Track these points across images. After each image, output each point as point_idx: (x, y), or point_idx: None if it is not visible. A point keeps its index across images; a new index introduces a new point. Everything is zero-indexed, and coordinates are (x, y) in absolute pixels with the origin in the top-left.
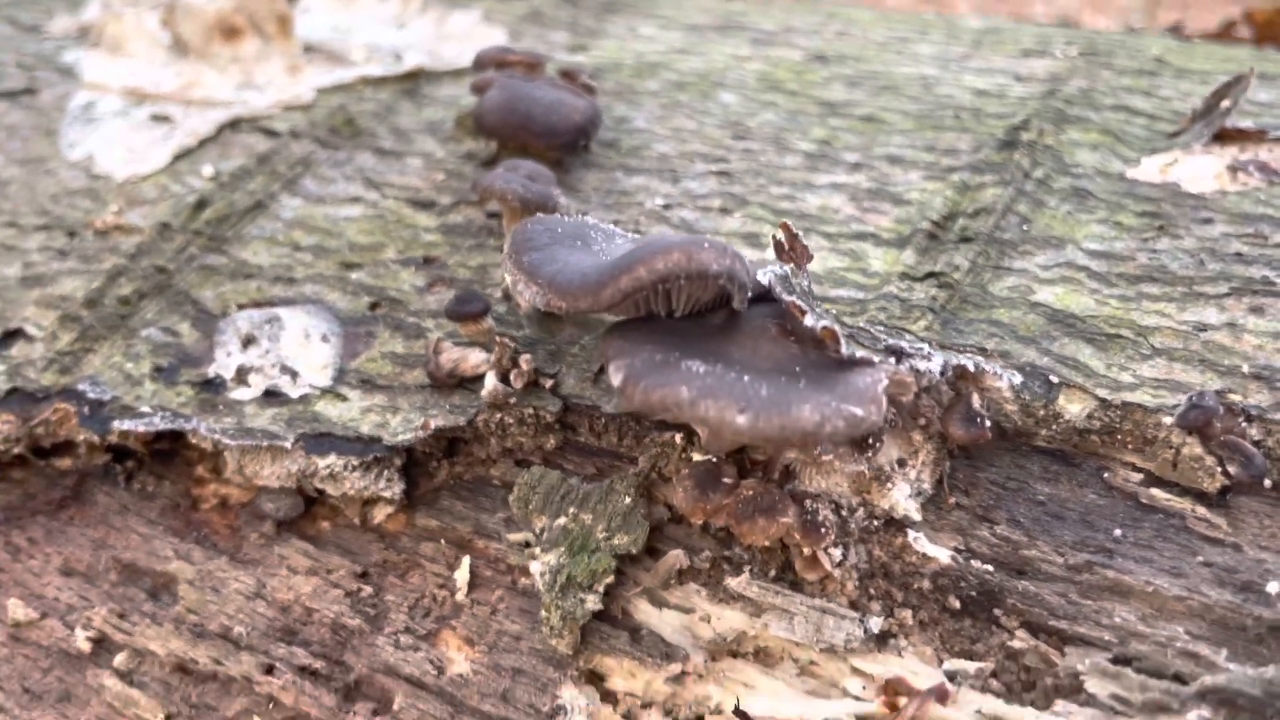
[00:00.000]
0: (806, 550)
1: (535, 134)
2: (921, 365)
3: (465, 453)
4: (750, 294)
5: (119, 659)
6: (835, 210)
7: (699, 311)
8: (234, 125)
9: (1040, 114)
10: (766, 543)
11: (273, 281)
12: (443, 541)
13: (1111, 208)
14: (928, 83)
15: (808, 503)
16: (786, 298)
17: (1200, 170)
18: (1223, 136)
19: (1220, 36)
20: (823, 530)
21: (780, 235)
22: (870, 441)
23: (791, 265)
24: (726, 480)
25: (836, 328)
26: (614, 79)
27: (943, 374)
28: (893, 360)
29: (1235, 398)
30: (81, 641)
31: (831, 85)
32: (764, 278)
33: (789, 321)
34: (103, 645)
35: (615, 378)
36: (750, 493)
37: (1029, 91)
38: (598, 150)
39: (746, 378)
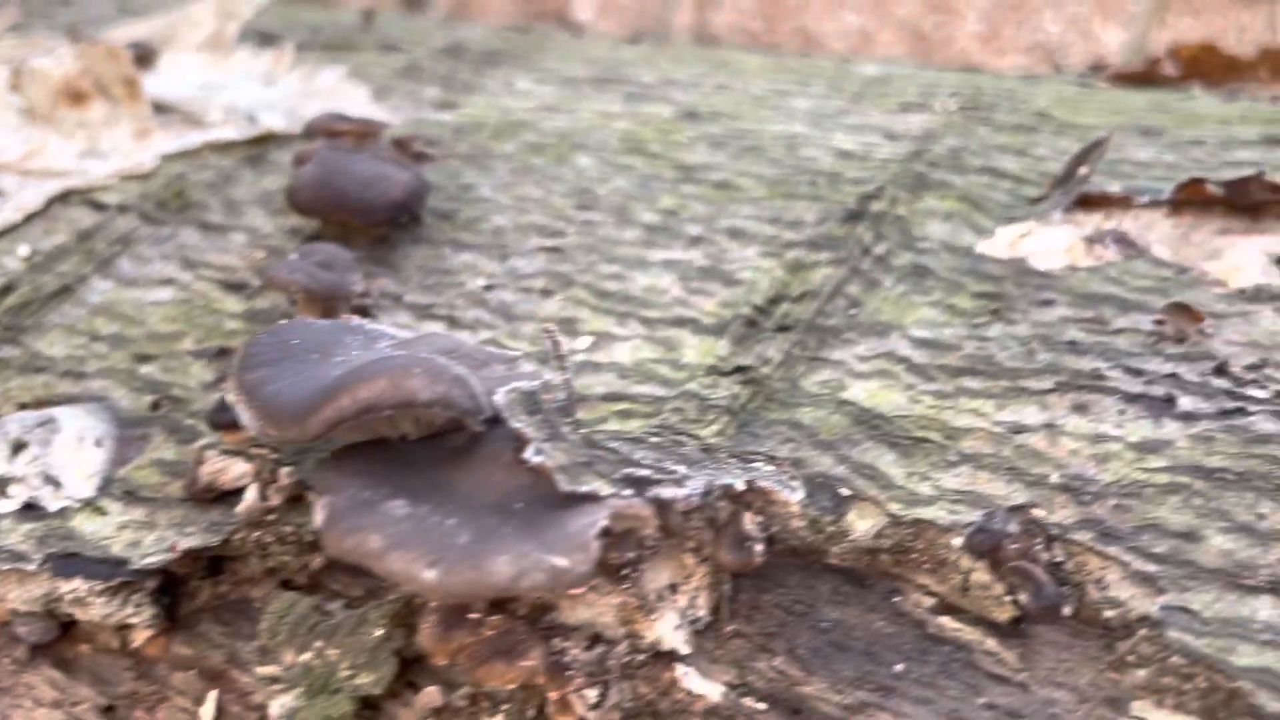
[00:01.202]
0: (555, 695)
1: (350, 212)
2: (668, 493)
3: (230, 571)
4: (490, 410)
5: None
6: (662, 291)
7: (439, 433)
8: (65, 198)
9: (899, 179)
10: (510, 686)
11: (62, 376)
12: (195, 672)
13: (949, 288)
14: (794, 143)
15: (556, 641)
16: (514, 424)
17: (1052, 244)
18: (1087, 203)
19: (1146, 75)
20: (569, 673)
21: (553, 341)
22: (625, 571)
23: (557, 370)
24: (473, 617)
25: (554, 461)
26: (472, 140)
27: (707, 495)
28: (629, 492)
29: (1039, 513)
30: None
31: (695, 146)
32: (500, 398)
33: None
34: None
35: (317, 516)
36: (493, 632)
37: (896, 152)
38: (432, 222)
39: (451, 521)
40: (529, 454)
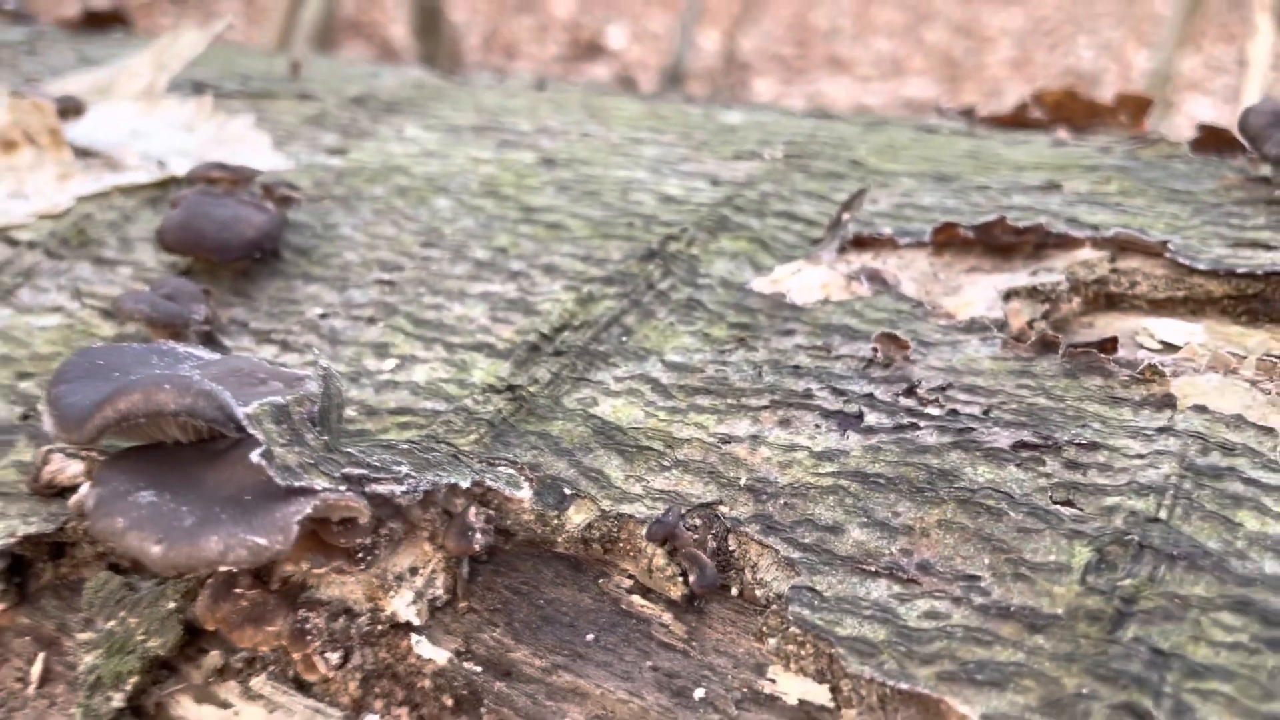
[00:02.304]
0: (298, 656)
1: (208, 250)
2: (384, 488)
3: (69, 555)
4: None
5: None
6: (471, 320)
7: (209, 438)
8: None
9: (703, 222)
10: (264, 648)
11: None
12: (31, 638)
13: (712, 319)
14: (629, 188)
15: (303, 612)
16: (251, 430)
17: (811, 280)
18: (860, 243)
19: (1015, 119)
20: (309, 637)
21: (318, 367)
22: (365, 555)
23: (321, 387)
24: (237, 590)
25: (272, 460)
26: (349, 183)
27: (430, 491)
28: (344, 488)
29: (723, 509)
30: None
31: (544, 190)
32: (245, 411)
33: None
34: None
35: (86, 505)
36: (248, 603)
37: (713, 197)
38: (291, 257)
39: (184, 509)
40: (252, 455)
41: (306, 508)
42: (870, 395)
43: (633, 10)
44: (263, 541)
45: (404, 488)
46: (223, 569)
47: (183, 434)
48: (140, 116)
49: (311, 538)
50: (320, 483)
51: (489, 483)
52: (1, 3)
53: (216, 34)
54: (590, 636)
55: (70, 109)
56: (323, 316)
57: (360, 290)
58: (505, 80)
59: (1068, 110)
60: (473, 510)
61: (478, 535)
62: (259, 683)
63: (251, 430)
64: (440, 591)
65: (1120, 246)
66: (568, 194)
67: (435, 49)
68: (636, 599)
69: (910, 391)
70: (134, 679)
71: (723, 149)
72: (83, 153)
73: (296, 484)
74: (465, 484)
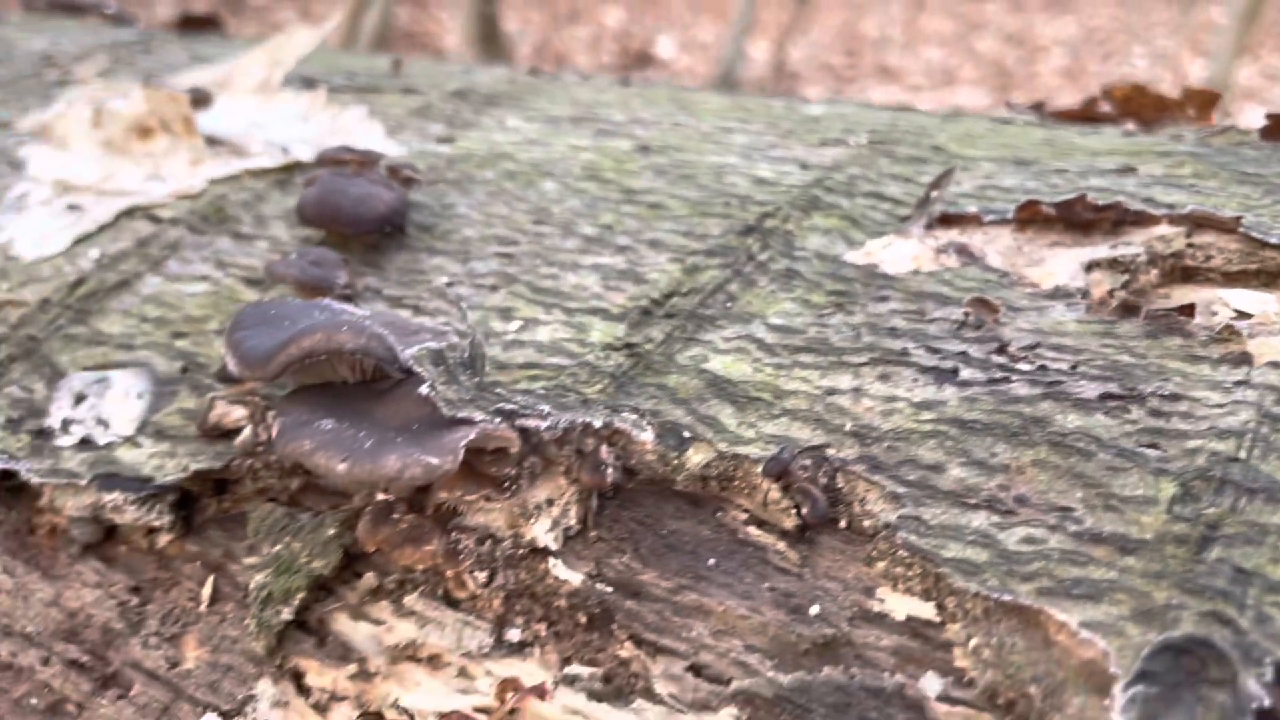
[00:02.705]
0: (451, 573)
1: (343, 224)
2: (531, 423)
3: (231, 492)
4: (406, 364)
5: None
6: (585, 288)
7: (373, 379)
8: (130, 213)
9: (796, 201)
10: (420, 566)
11: (117, 348)
12: (200, 563)
13: (810, 287)
14: (722, 171)
15: (455, 534)
16: (416, 368)
17: (902, 253)
18: (945, 220)
19: (1083, 114)
20: (462, 556)
21: (461, 313)
22: (509, 485)
23: (468, 336)
24: (395, 516)
25: (439, 394)
26: (461, 168)
27: (569, 430)
28: (498, 420)
29: (830, 451)
30: None
31: (642, 174)
32: (413, 350)
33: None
34: None
35: (272, 432)
36: (406, 526)
37: (803, 179)
38: (414, 233)
39: (363, 434)
40: (422, 389)
41: (471, 434)
42: (964, 353)
43: (682, 20)
44: (435, 461)
45: (547, 423)
46: (396, 486)
47: (351, 374)
48: (258, 109)
49: (464, 468)
50: (478, 415)
51: (618, 424)
52: (103, 7)
53: (326, 32)
54: (711, 561)
55: (199, 99)
56: (449, 285)
57: (481, 262)
58: (588, 79)
59: (1136, 105)
60: (604, 448)
61: (609, 470)
62: (411, 600)
63: (416, 369)
64: (573, 522)
65: (1195, 223)
66: (665, 177)
67: (493, 58)
68: (752, 529)
69: (1001, 350)
70: (300, 595)
71: (808, 137)
72: (210, 140)
73: (459, 415)
74: (598, 424)
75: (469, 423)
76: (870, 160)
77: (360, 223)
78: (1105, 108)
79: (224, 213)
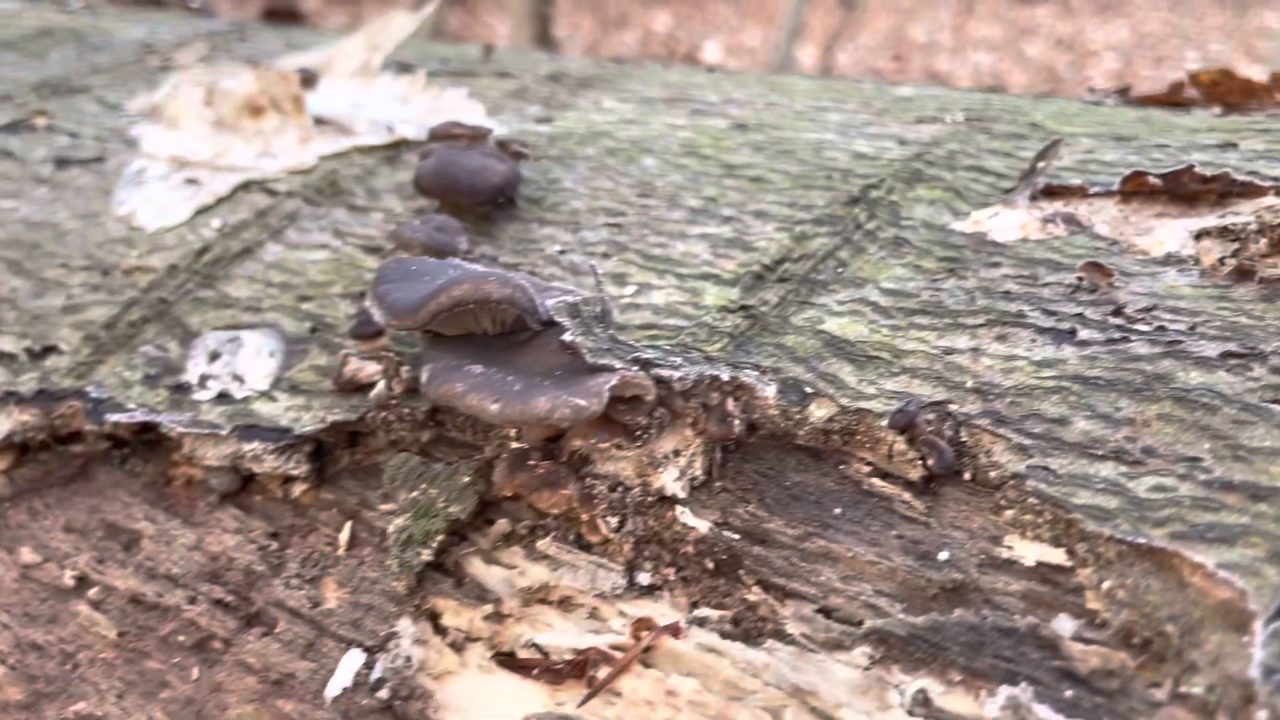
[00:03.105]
0: (585, 517)
1: (460, 193)
2: (666, 372)
3: (363, 444)
4: (545, 317)
5: (92, 592)
6: (695, 256)
7: (509, 330)
8: (246, 186)
9: (899, 174)
10: (555, 510)
11: (245, 310)
12: (336, 510)
13: (920, 254)
14: (821, 147)
15: (589, 480)
16: (558, 318)
17: (1010, 222)
18: (1049, 192)
19: (1169, 98)
20: (596, 501)
21: (594, 272)
22: (640, 434)
23: (597, 293)
24: (531, 462)
25: (582, 342)
26: (562, 145)
27: (698, 382)
28: (636, 368)
29: (953, 406)
30: (68, 579)
31: (741, 150)
32: (552, 303)
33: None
34: (83, 583)
35: (422, 377)
36: (543, 471)
37: (903, 154)
38: (523, 205)
39: (511, 377)
40: (566, 336)
41: (613, 379)
42: (1080, 315)
43: (728, 24)
44: (582, 403)
45: (680, 374)
46: (545, 425)
47: (492, 325)
48: (360, 91)
49: (600, 415)
50: (617, 363)
51: (743, 379)
52: (188, 0)
53: (424, 18)
54: (837, 511)
55: (307, 79)
56: (561, 253)
57: (591, 231)
58: (671, 66)
59: (1223, 89)
60: (729, 401)
61: (735, 421)
62: (544, 544)
63: (557, 319)
64: (699, 472)
65: None
66: (763, 153)
67: None
68: (877, 481)
69: (1118, 311)
70: (439, 537)
71: (904, 115)
72: (316, 120)
73: (601, 361)
74: (725, 376)
75: (610, 369)
76: (968, 136)
77: (475, 193)
78: (1191, 92)
79: (337, 186)
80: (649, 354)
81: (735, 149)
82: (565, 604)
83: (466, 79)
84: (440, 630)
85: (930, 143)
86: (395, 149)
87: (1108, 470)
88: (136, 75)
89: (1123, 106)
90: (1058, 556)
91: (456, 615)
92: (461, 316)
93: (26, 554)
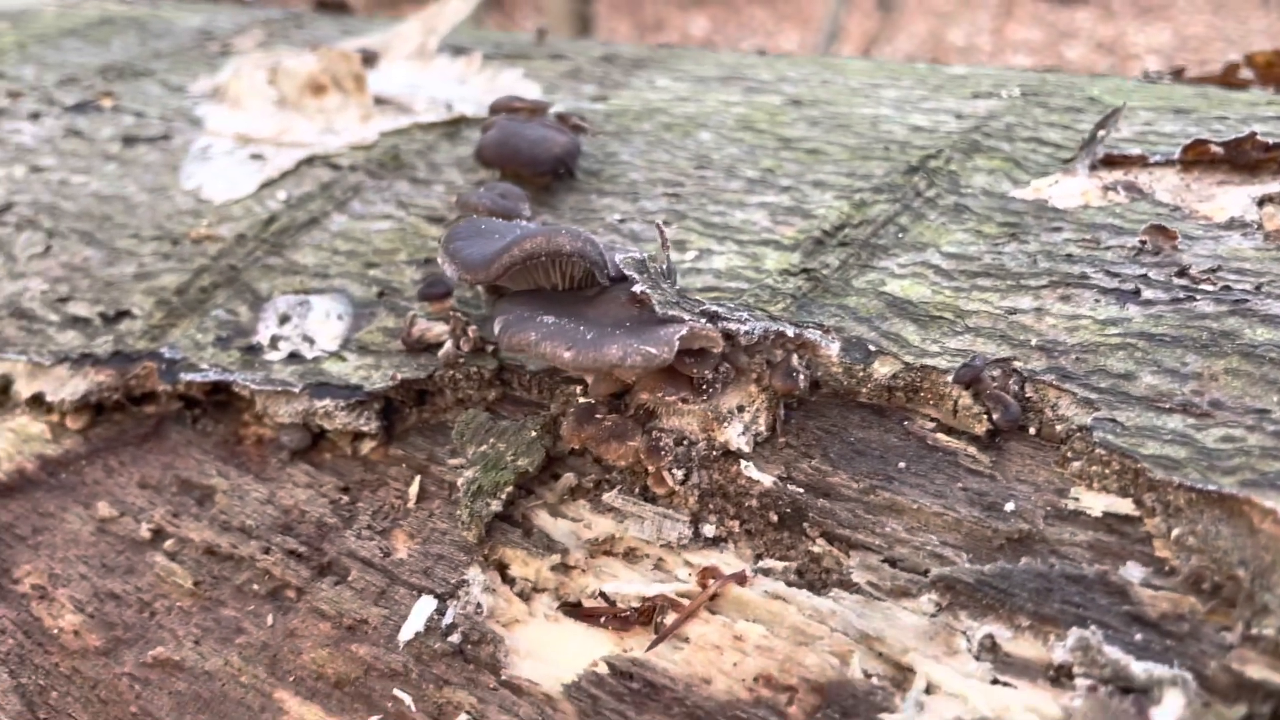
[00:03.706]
0: (652, 469)
1: (522, 164)
2: (733, 325)
3: (430, 402)
4: (613, 273)
5: (168, 544)
6: (754, 223)
7: (577, 285)
8: (310, 161)
9: (957, 145)
10: (622, 462)
11: (312, 276)
12: (404, 466)
13: (980, 219)
14: (877, 121)
15: (655, 433)
16: (628, 271)
17: (1070, 189)
18: (1109, 161)
19: (1223, 79)
20: (662, 453)
21: (660, 231)
22: (705, 388)
23: (662, 252)
24: (598, 416)
25: (652, 293)
26: (618, 122)
27: (763, 337)
28: (704, 320)
29: (1017, 364)
30: (144, 532)
31: (796, 125)
32: (620, 257)
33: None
34: (159, 535)
35: (495, 327)
36: (610, 424)
37: (960, 127)
38: (582, 177)
39: (583, 327)
40: (636, 288)
41: (682, 329)
42: (1144, 275)
43: (765, 28)
44: (654, 350)
45: (747, 328)
46: (619, 372)
47: (561, 279)
48: (417, 72)
49: (664, 370)
50: (685, 315)
51: (807, 335)
52: None
53: (479, 2)
54: (901, 465)
55: (368, 59)
56: (621, 221)
57: (650, 201)
58: (719, 50)
59: (1278, 70)
60: (794, 356)
61: (801, 376)
62: (610, 497)
63: (627, 272)
64: (762, 428)
65: None
66: (819, 127)
67: None
68: (941, 436)
69: (1182, 273)
70: (508, 488)
71: (959, 91)
72: (376, 100)
73: (670, 313)
74: (790, 333)
75: (679, 320)
76: (1025, 110)
77: (537, 163)
78: (1246, 74)
79: (399, 160)
80: (716, 308)
81: (791, 123)
82: (630, 555)
83: (521, 61)
84: (508, 580)
85: (987, 116)
86: (454, 125)
87: (1175, 422)
88: (197, 60)
89: (1179, 84)
90: (1125, 506)
91: (524, 565)
92: (531, 271)
93: (103, 508)
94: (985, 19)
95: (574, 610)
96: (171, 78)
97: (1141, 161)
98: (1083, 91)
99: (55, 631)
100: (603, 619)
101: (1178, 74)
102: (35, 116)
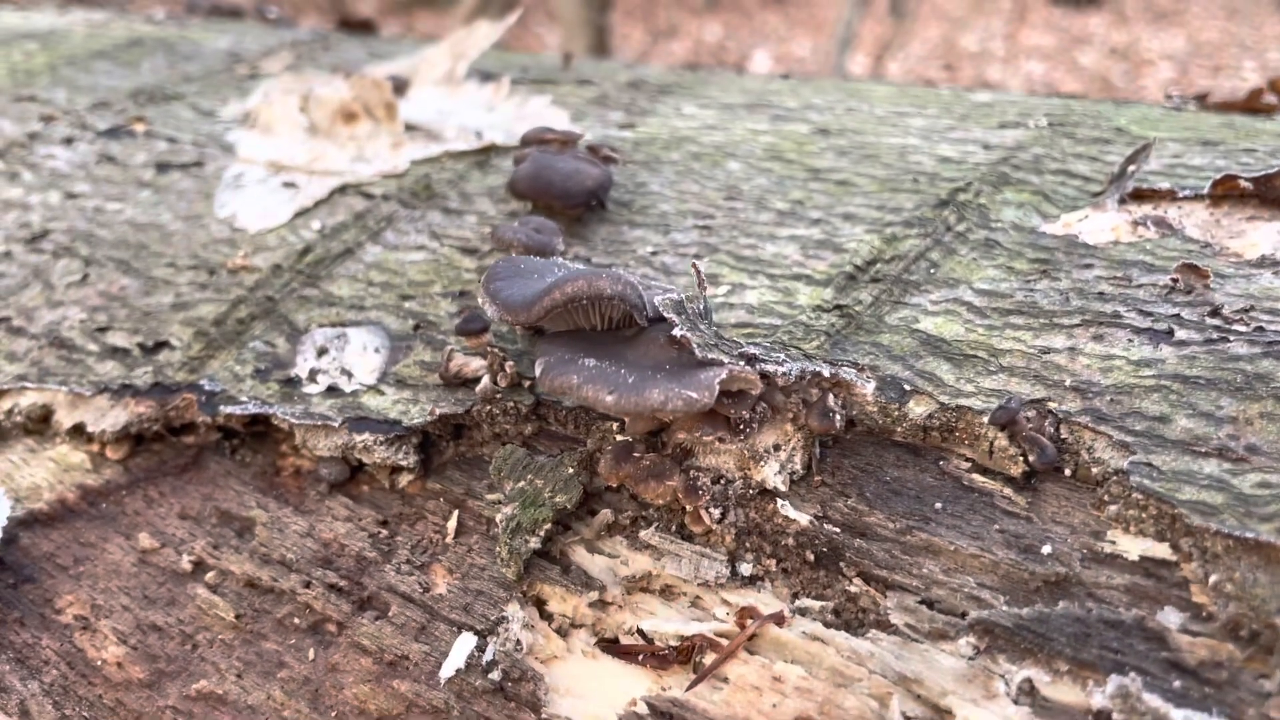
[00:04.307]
0: (689, 507)
1: (555, 197)
2: (771, 367)
3: (467, 436)
4: (651, 314)
5: (209, 576)
6: (785, 257)
7: (615, 326)
8: (343, 190)
9: (985, 178)
10: (659, 501)
11: (348, 308)
12: (442, 500)
13: (1011, 255)
14: (905, 151)
15: (693, 472)
16: (666, 314)
17: (1100, 224)
18: (1138, 195)
19: (1247, 104)
20: (700, 492)
21: (697, 271)
22: (742, 428)
23: (699, 292)
24: (636, 454)
25: (691, 337)
26: (646, 151)
27: (800, 378)
28: (742, 363)
29: (1052, 405)
30: (185, 564)
31: (824, 155)
32: (659, 299)
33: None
34: (200, 567)
35: (536, 370)
36: (648, 463)
37: (987, 159)
38: (613, 208)
39: (623, 370)
40: (676, 331)
41: (722, 373)
42: (1177, 315)
43: (777, 34)
44: (694, 395)
45: (784, 369)
46: (658, 415)
47: (600, 321)
48: (446, 98)
49: (704, 410)
50: (724, 358)
51: (842, 375)
52: (266, 11)
53: (508, 25)
54: (938, 505)
55: (399, 86)
56: (653, 254)
57: (681, 233)
58: (744, 74)
59: None
60: (830, 396)
61: (837, 416)
62: (647, 534)
63: (666, 314)
64: (798, 466)
65: None
66: (847, 157)
67: None
68: (977, 476)
69: (1215, 313)
70: (547, 525)
71: (986, 120)
72: (405, 126)
73: (709, 356)
74: (826, 372)
75: (718, 363)
76: (1052, 141)
77: (570, 196)
78: (1271, 99)
79: (431, 190)
80: (753, 350)
81: (819, 153)
82: (667, 592)
83: (548, 86)
84: (546, 616)
85: (1015, 147)
86: (484, 154)
87: (1211, 467)
88: (227, 83)
89: (1203, 112)
90: (1162, 551)
91: (562, 601)
92: (572, 313)
93: (144, 539)
94: (998, 24)
95: (612, 647)
96: (202, 101)
97: (1171, 196)
98: (1110, 121)
99: (99, 663)
100: (641, 657)
101: (1202, 99)
102: (69, 141)
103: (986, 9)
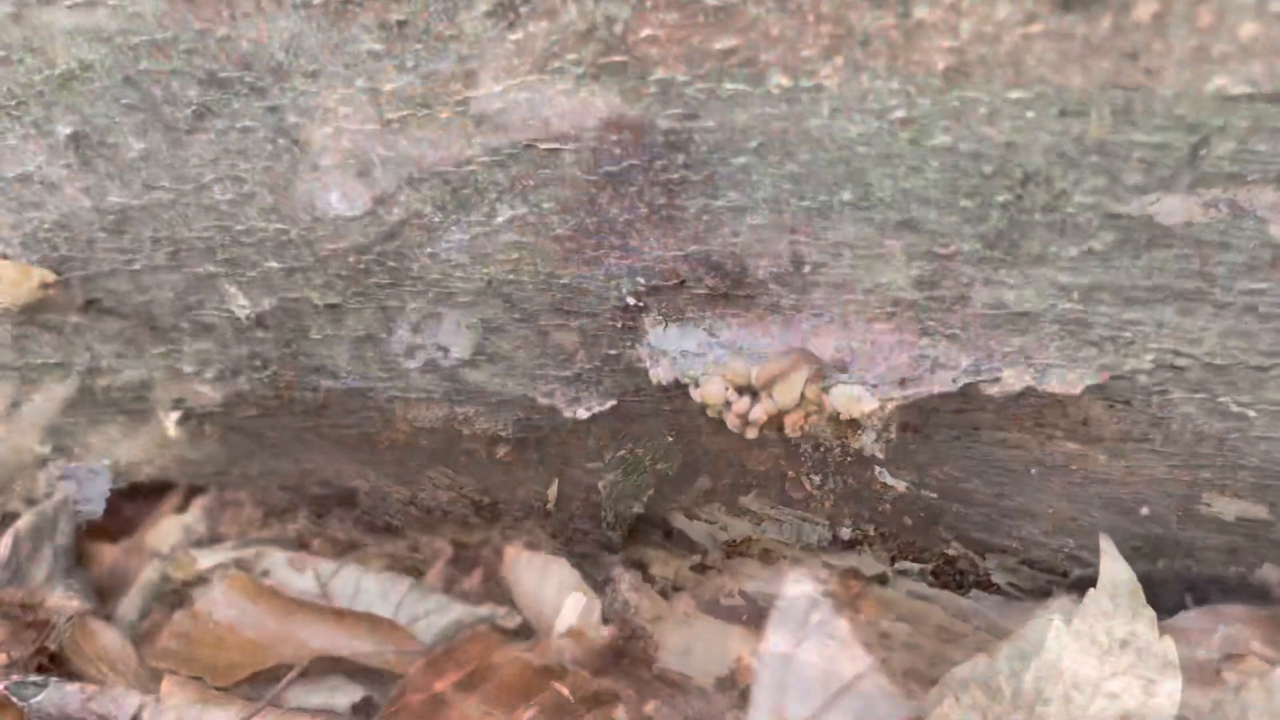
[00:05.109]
0: (791, 473)
1: None
2: None
3: None
4: None
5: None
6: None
7: None
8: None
9: (1054, 162)
10: (761, 468)
11: (438, 288)
12: (542, 469)
13: (1087, 236)
14: None
15: (793, 440)
16: None
17: (1172, 207)
18: (1207, 180)
19: None
20: (801, 458)
21: None
22: None
23: None
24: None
25: None
26: None
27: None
28: None
29: (1142, 376)
30: (289, 532)
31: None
32: None
33: None
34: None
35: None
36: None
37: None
38: None
39: None
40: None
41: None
42: (1259, 290)
43: None
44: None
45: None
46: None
47: None
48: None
49: None
50: None
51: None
52: None
53: None
54: (1032, 471)
55: None
56: None
57: None
58: None
59: None
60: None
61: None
62: (746, 500)
63: None
64: (894, 437)
65: None
66: None
67: None
68: (1070, 444)
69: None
70: (649, 491)
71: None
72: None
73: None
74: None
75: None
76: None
77: None
78: None
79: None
80: None
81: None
82: (766, 556)
83: None
84: (649, 578)
85: (1079, 134)
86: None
87: None
88: None
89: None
90: (1259, 512)
91: (664, 565)
92: None
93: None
94: None
95: (714, 608)
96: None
97: (1240, 179)
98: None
99: None
100: (744, 617)
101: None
102: None
103: None
